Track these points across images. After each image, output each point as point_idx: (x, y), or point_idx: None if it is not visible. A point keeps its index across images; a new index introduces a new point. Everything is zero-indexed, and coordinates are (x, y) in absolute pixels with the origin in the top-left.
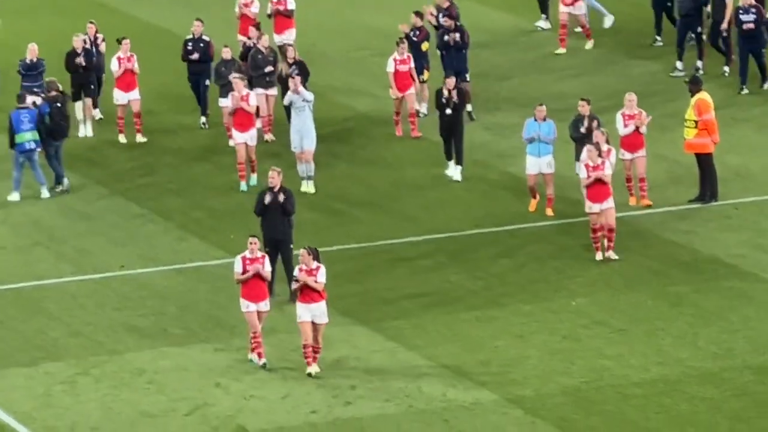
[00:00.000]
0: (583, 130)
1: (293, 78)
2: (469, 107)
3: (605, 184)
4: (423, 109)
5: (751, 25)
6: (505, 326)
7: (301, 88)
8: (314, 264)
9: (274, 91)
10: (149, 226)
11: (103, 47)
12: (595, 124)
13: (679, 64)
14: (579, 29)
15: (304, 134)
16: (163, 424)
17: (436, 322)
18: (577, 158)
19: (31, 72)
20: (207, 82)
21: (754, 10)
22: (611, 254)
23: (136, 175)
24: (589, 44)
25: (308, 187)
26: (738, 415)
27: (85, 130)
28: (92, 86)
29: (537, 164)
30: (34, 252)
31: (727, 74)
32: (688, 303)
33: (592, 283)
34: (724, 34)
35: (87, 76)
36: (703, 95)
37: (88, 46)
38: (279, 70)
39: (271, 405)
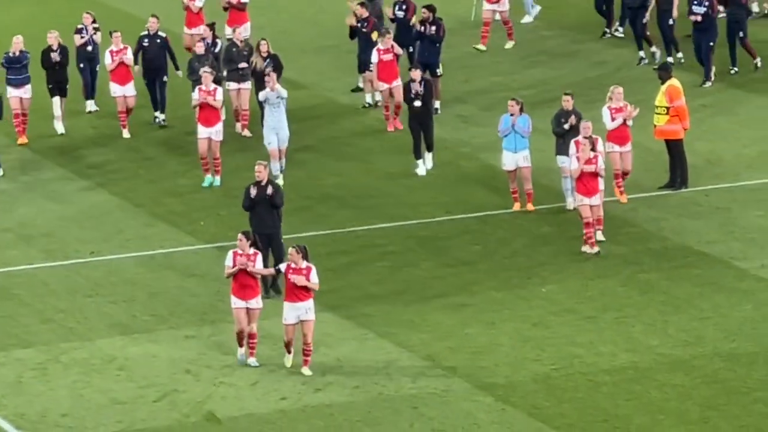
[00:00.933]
0: (566, 125)
1: (269, 75)
2: (436, 104)
3: (596, 178)
4: (369, 99)
5: (698, 17)
6: (475, 313)
7: (277, 86)
8: (304, 263)
9: (247, 85)
10: (119, 213)
11: (98, 38)
12: (575, 119)
13: (641, 53)
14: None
15: (278, 131)
16: (132, 410)
17: (407, 309)
18: (558, 152)
19: (15, 65)
20: (165, 78)
21: (707, 2)
22: (599, 235)
23: (106, 161)
24: (509, 44)
25: (278, 180)
26: (708, 402)
27: (63, 128)
28: (67, 83)
29: (514, 159)
30: (4, 239)
31: (644, 61)
32: (658, 290)
33: (563, 270)
34: (671, 22)
35: (62, 73)
36: (674, 82)
37: (86, 37)
38: (253, 64)
39: (240, 392)
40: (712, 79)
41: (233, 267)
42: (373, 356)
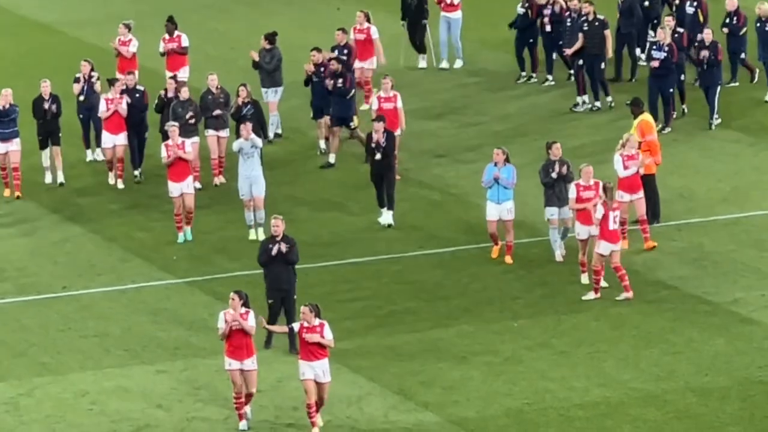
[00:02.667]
0: (554, 175)
1: (245, 124)
2: (354, 121)
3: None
4: (331, 159)
5: (656, 63)
6: (448, 347)
7: (252, 135)
8: (316, 321)
9: (225, 133)
10: (91, 247)
11: (98, 86)
12: (564, 168)
13: (579, 99)
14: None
15: (253, 181)
16: None
17: (379, 343)
18: (547, 203)
19: (3, 118)
20: (146, 134)
21: (667, 48)
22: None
23: (79, 196)
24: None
25: (257, 234)
26: None
27: (56, 178)
28: (59, 133)
29: (497, 210)
30: None
31: (580, 107)
32: (630, 325)
33: (535, 304)
34: (602, 67)
35: (54, 123)
36: (646, 116)
37: (83, 86)
38: (232, 109)
39: (213, 426)
40: (670, 126)
41: (225, 327)
42: (346, 390)
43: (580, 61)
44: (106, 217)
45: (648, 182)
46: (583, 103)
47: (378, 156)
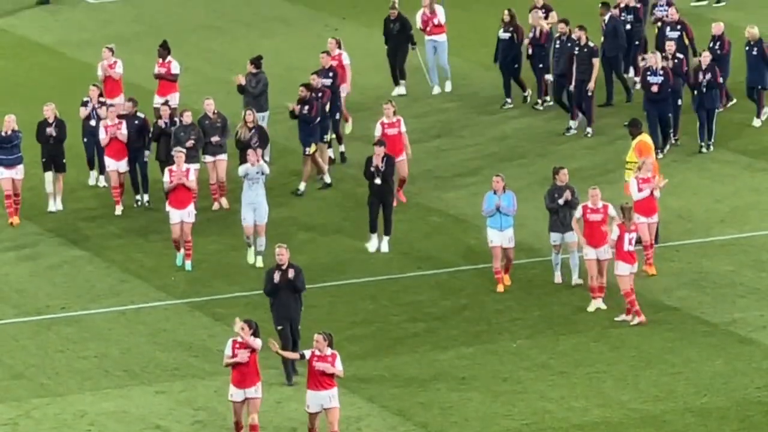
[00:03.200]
0: (560, 201)
1: (254, 150)
2: (326, 178)
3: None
4: (301, 187)
5: (655, 88)
6: (446, 368)
7: (261, 161)
8: (329, 350)
9: (222, 157)
10: (90, 268)
11: (102, 112)
12: (570, 194)
13: (572, 123)
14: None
15: (256, 207)
16: None
17: (378, 364)
18: (552, 229)
19: (6, 144)
20: (145, 158)
21: (662, 72)
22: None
23: (78, 218)
24: (348, 127)
25: (257, 260)
26: None
27: (55, 205)
28: (64, 158)
29: (499, 238)
30: None
31: (572, 131)
32: (629, 345)
33: (534, 325)
34: (590, 94)
35: (58, 147)
36: (645, 137)
37: (89, 110)
38: (239, 136)
39: None
40: (665, 151)
41: (232, 357)
42: (345, 411)
43: (571, 87)
44: (105, 239)
45: None
46: (575, 128)
47: (377, 180)
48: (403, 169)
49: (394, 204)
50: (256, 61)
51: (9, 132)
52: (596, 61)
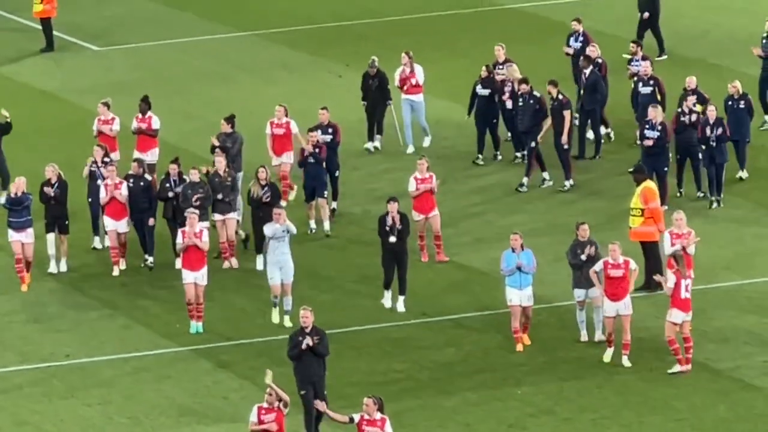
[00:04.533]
0: (583, 257)
1: (278, 210)
2: (326, 225)
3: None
4: (326, 226)
5: (650, 142)
6: (451, 415)
7: (288, 222)
8: (378, 415)
9: (232, 216)
10: (94, 315)
11: (106, 172)
12: (593, 249)
13: (525, 180)
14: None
15: (282, 265)
16: None
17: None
18: (575, 285)
19: (16, 207)
20: (152, 221)
21: (660, 127)
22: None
23: (81, 264)
24: (291, 194)
25: (284, 320)
26: None
27: (58, 267)
28: (67, 220)
29: (519, 297)
30: None
31: (567, 188)
32: (634, 391)
33: (539, 371)
34: (566, 146)
35: (59, 208)
36: (649, 184)
37: (94, 170)
38: (251, 192)
39: None
40: (666, 204)
41: (259, 424)
42: None
43: (532, 143)
44: (110, 287)
45: (651, 249)
46: (527, 185)
47: (392, 239)
48: (436, 225)
49: (442, 260)
50: (231, 120)
51: (19, 193)
52: (567, 113)
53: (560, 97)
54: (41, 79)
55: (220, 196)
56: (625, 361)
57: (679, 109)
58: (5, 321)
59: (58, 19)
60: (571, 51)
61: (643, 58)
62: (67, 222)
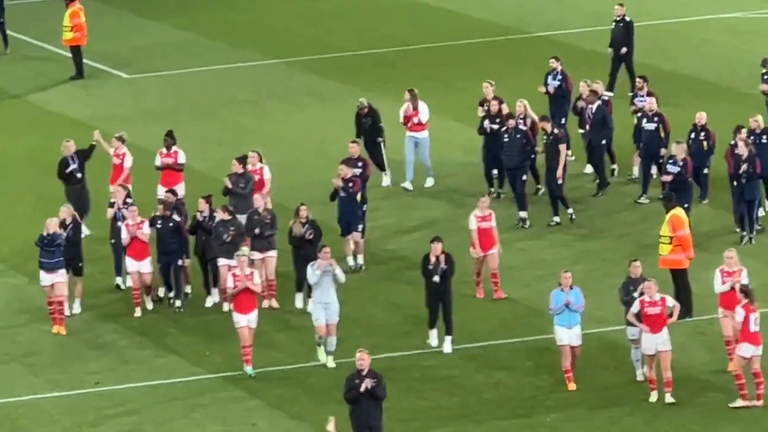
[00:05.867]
0: (635, 294)
1: (325, 253)
2: (360, 259)
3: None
4: (360, 260)
5: (669, 177)
6: None
7: (338, 270)
8: None
9: (272, 254)
10: (124, 342)
11: (128, 213)
12: (646, 285)
13: (523, 214)
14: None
15: (327, 306)
16: None
17: None
18: (628, 323)
19: (48, 247)
20: (181, 261)
21: (681, 163)
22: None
23: (110, 291)
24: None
25: (328, 360)
26: None
27: (72, 309)
28: (80, 262)
29: (568, 336)
30: (10, 369)
31: (553, 224)
32: (663, 419)
33: (568, 399)
34: (560, 181)
35: (72, 250)
36: (678, 211)
37: (114, 211)
38: (291, 230)
39: None
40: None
41: None
42: None
43: (523, 177)
44: (139, 315)
45: (680, 277)
46: (526, 217)
47: (436, 279)
48: (494, 263)
49: (500, 296)
50: (243, 161)
51: (51, 233)
52: (563, 148)
53: (556, 131)
54: (71, 107)
55: (257, 231)
56: (668, 398)
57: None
58: (35, 348)
59: (88, 47)
60: (551, 90)
61: (648, 94)
62: (81, 263)
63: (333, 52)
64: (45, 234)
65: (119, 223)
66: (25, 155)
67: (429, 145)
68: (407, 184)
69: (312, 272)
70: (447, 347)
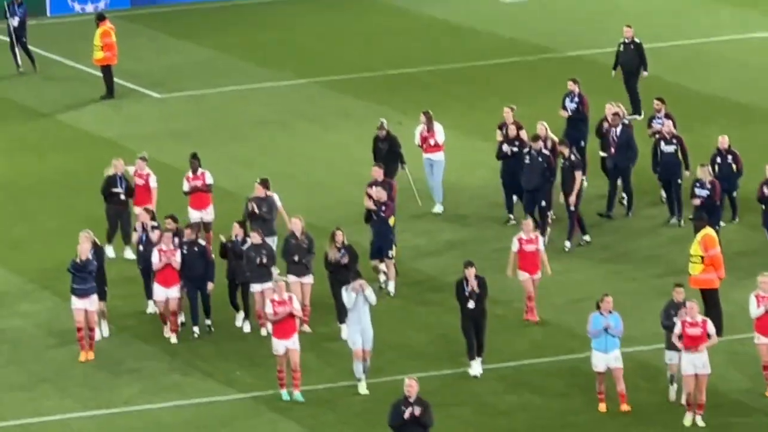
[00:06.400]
0: (676, 319)
1: (359, 280)
2: (391, 287)
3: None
4: (391, 288)
5: (698, 201)
6: None
7: (368, 291)
8: None
9: (308, 279)
10: (154, 362)
11: (154, 236)
12: (688, 305)
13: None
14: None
15: (363, 331)
16: None
17: None
18: (668, 347)
19: (80, 273)
20: (209, 287)
21: (709, 186)
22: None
23: (141, 312)
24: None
25: (362, 388)
26: None
27: (100, 332)
28: (104, 286)
29: (605, 360)
30: (40, 388)
31: (567, 249)
32: None
33: (600, 419)
34: (572, 208)
35: (98, 275)
36: (709, 231)
37: (140, 235)
38: (327, 255)
39: None
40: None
41: None
42: None
43: (542, 202)
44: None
45: (711, 297)
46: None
47: (471, 304)
48: (535, 287)
49: (532, 319)
50: (266, 184)
51: (84, 259)
52: (578, 174)
53: (572, 157)
54: (102, 126)
55: (296, 258)
56: (699, 421)
57: None
58: (65, 369)
59: (119, 67)
60: (567, 114)
61: (666, 116)
62: (105, 288)
63: (363, 72)
64: (78, 260)
65: (140, 247)
66: (55, 174)
67: (444, 168)
68: (437, 208)
69: (347, 295)
70: (477, 369)
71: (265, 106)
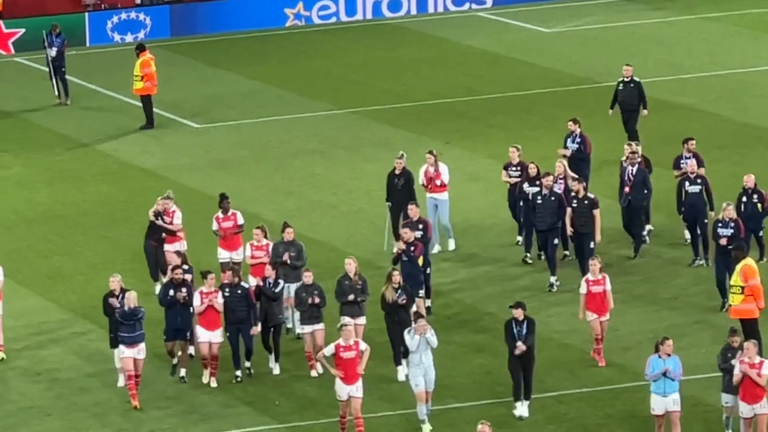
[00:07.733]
0: (733, 362)
1: (422, 323)
2: (428, 302)
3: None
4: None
5: (724, 241)
6: None
7: (429, 333)
8: None
9: (362, 320)
10: (193, 392)
11: (189, 278)
12: (746, 345)
13: (552, 279)
14: None
15: (426, 372)
16: None
17: None
18: (725, 389)
19: (129, 321)
20: (253, 330)
21: (732, 224)
22: None
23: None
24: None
25: (426, 430)
26: None
27: (124, 381)
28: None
29: (663, 404)
30: (77, 417)
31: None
32: None
33: None
34: (591, 245)
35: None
36: (749, 261)
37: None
38: (384, 296)
39: None
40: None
41: None
42: None
43: (555, 240)
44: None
45: (751, 327)
46: (555, 281)
47: (523, 347)
48: (603, 329)
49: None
50: (290, 226)
51: (132, 306)
52: (597, 212)
53: (591, 195)
54: (141, 156)
55: (351, 298)
56: None
57: None
58: (103, 398)
59: (158, 97)
60: (568, 153)
61: (694, 156)
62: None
63: (402, 102)
64: (126, 308)
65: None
66: (95, 205)
67: (449, 207)
68: (436, 248)
69: (410, 337)
70: (524, 411)
71: (305, 135)
